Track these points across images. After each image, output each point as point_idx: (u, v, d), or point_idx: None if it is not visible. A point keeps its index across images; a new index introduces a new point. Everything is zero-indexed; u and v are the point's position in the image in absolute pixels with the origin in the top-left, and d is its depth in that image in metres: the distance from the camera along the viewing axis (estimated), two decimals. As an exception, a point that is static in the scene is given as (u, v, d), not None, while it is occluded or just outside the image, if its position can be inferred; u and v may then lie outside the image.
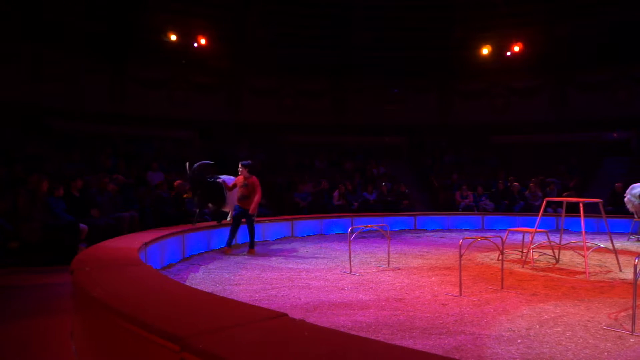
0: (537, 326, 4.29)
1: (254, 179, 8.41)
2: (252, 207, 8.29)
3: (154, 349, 2.28)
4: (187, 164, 8.66)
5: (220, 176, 8.97)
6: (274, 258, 8.11)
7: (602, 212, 7.59)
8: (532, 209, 13.27)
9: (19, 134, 12.86)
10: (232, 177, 8.93)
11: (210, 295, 3.45)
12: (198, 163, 8.71)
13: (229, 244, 8.47)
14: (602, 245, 8.04)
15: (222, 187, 8.76)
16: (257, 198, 8.36)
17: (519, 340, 3.90)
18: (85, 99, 15.89)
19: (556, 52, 18.34)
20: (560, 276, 6.62)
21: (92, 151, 12.74)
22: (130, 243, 5.97)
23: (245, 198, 8.34)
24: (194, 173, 8.58)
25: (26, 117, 14.05)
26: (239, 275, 6.60)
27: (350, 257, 7.17)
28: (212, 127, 17.66)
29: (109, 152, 12.54)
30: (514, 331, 4.14)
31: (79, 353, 3.49)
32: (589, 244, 7.90)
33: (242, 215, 8.46)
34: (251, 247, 8.53)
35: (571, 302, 5.14)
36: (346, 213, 12.86)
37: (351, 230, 7.48)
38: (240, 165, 8.49)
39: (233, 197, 8.81)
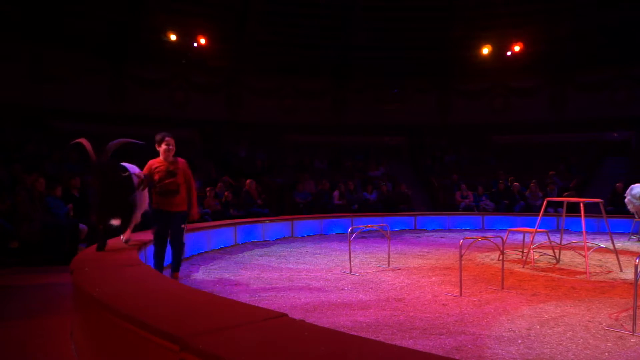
0: (538, 326, 4.28)
1: (184, 163, 5.43)
2: (195, 210, 5.43)
3: (153, 349, 2.27)
4: (85, 142, 4.98)
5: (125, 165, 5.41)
6: (274, 258, 8.10)
7: (603, 212, 7.59)
8: (533, 209, 13.27)
9: (19, 134, 12.86)
10: (134, 167, 5.54)
11: (210, 295, 3.44)
12: (114, 142, 5.04)
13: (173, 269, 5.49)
14: (602, 246, 8.03)
15: (134, 187, 5.32)
16: (194, 194, 5.48)
17: (519, 341, 3.89)
18: (85, 99, 15.91)
19: (556, 52, 18.36)
20: (560, 276, 6.62)
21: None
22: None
23: (171, 194, 5.21)
24: (105, 159, 4.96)
25: (26, 117, 14.07)
26: (239, 275, 6.59)
27: (350, 257, 7.16)
28: (212, 127, 17.68)
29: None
30: (514, 331, 4.13)
31: (79, 353, 3.49)
32: (590, 244, 7.89)
33: (169, 224, 5.27)
34: (175, 269, 5.50)
35: (572, 303, 5.14)
36: (346, 213, 12.85)
37: (351, 230, 7.47)
38: (163, 141, 5.26)
39: (142, 202, 5.71)
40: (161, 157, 5.34)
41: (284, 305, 4.98)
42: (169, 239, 5.37)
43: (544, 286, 5.96)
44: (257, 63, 18.71)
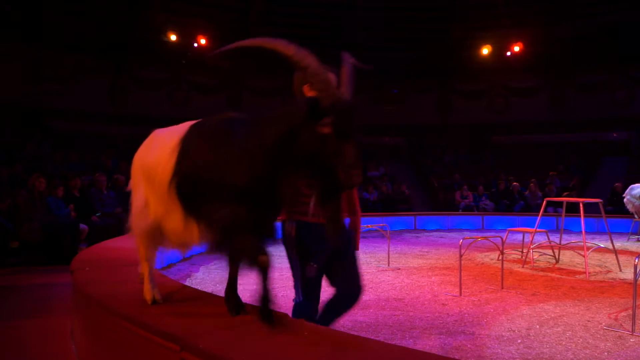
0: (537, 326, 4.29)
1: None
2: (359, 230, 3.19)
3: (153, 349, 2.28)
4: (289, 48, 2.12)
5: None
6: (273, 258, 8.09)
7: (602, 212, 7.59)
8: (532, 209, 13.28)
9: (19, 134, 12.87)
10: None
11: (210, 295, 3.45)
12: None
13: None
14: (602, 245, 8.04)
15: None
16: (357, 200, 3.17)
17: (518, 340, 3.90)
18: (85, 99, 15.91)
19: (556, 52, 18.36)
20: (560, 276, 6.62)
21: (93, 151, 12.76)
22: (131, 243, 5.95)
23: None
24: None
25: (26, 117, 14.08)
26: (239, 275, 6.58)
27: (350, 257, 7.15)
28: (212, 127, 17.66)
29: (110, 153, 12.56)
30: (514, 331, 4.14)
31: (79, 353, 3.49)
32: (589, 244, 7.90)
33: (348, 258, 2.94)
34: None
35: (571, 302, 5.14)
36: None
37: (351, 230, 7.46)
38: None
39: None
40: None
41: (284, 305, 4.98)
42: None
43: (544, 286, 5.96)
44: (257, 63, 18.68)
